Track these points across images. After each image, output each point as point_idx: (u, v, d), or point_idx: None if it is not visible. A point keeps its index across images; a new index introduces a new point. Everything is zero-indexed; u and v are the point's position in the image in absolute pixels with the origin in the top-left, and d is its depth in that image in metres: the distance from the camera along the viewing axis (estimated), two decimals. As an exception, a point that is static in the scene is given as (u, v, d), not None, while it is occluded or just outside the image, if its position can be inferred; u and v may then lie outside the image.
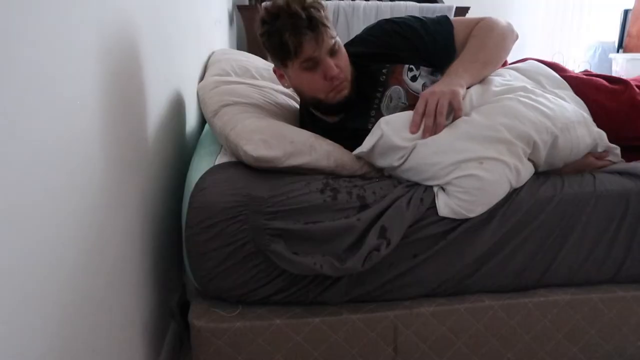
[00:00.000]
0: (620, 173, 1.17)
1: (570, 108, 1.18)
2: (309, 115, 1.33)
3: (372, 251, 1.01)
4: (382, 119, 1.12)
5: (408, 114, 1.12)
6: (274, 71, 1.28)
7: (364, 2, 2.95)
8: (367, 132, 1.14)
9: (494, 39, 1.23)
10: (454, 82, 1.13)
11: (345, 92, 1.21)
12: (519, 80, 1.24)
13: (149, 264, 1.10)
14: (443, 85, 1.13)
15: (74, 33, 0.73)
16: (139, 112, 1.05)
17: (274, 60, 1.23)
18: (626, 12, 3.55)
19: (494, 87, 1.19)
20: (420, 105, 1.10)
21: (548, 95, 1.20)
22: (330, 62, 1.16)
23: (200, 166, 1.15)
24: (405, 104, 1.22)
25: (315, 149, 1.10)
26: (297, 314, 1.08)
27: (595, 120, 1.21)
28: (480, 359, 1.14)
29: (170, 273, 1.32)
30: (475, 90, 1.17)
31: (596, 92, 1.27)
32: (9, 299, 0.55)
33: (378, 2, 2.98)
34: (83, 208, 0.75)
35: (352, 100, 1.22)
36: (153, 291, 1.13)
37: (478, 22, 1.27)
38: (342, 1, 2.95)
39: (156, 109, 1.17)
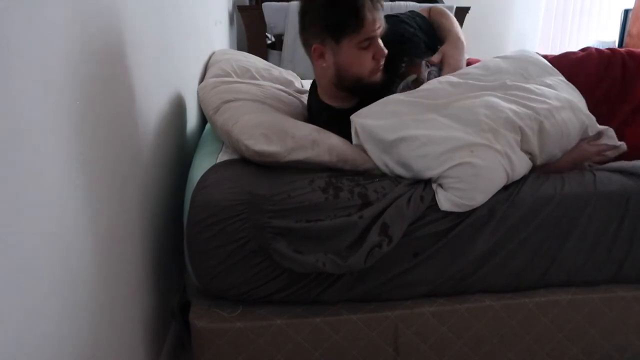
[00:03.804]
0: (621, 172, 1.17)
1: (553, 95, 1.19)
2: (324, 107, 1.31)
3: (374, 248, 1.01)
4: (350, 118, 1.17)
5: (370, 105, 1.17)
6: (314, 50, 1.20)
7: (365, 2, 2.95)
8: None
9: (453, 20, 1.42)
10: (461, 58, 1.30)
11: (380, 74, 1.24)
12: (503, 73, 1.25)
13: (150, 263, 1.11)
14: (459, 56, 1.30)
15: (75, 33, 0.73)
16: (140, 112, 1.05)
17: (323, 34, 1.17)
18: (626, 12, 3.55)
19: (471, 81, 1.21)
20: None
21: (529, 86, 1.21)
22: (381, 43, 1.20)
23: (201, 164, 1.15)
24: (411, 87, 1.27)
25: (317, 144, 1.11)
26: (297, 314, 1.08)
27: (590, 92, 1.24)
28: (481, 359, 1.14)
29: (171, 273, 1.32)
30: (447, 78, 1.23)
31: (587, 64, 1.32)
32: (9, 299, 0.56)
33: (378, 2, 2.98)
34: (83, 208, 0.75)
35: (377, 86, 1.26)
36: (153, 291, 1.13)
37: (430, 9, 1.45)
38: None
39: (157, 108, 1.17)
